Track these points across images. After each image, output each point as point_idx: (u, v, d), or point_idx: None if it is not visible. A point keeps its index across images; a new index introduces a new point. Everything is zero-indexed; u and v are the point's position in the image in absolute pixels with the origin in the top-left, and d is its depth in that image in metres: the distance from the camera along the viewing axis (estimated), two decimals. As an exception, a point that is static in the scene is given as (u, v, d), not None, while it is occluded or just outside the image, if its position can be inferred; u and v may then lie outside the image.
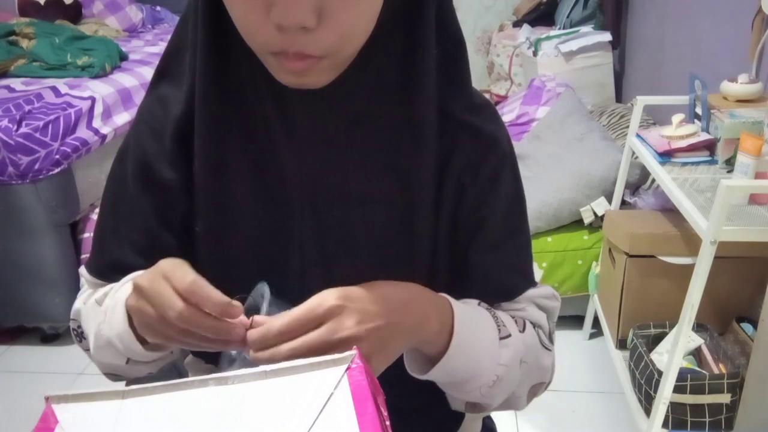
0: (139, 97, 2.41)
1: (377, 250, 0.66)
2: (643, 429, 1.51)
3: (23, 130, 1.95)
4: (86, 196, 2.19)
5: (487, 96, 3.34)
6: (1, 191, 1.99)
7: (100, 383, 0.56)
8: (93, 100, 2.19)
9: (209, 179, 0.65)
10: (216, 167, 0.64)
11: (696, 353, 1.60)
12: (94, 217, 2.20)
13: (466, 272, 0.69)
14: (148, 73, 2.52)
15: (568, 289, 2.09)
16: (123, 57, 2.65)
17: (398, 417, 0.51)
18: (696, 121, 1.69)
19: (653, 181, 2.04)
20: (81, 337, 0.72)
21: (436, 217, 0.67)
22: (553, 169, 2.15)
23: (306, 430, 0.42)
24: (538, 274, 2.05)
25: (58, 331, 2.24)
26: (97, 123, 2.19)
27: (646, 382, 1.52)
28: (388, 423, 0.45)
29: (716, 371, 1.52)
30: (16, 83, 2.30)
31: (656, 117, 2.50)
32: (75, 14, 3.29)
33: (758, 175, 1.34)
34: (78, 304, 0.73)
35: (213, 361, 0.77)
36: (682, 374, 1.43)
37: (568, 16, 3.33)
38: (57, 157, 2.01)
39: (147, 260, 0.67)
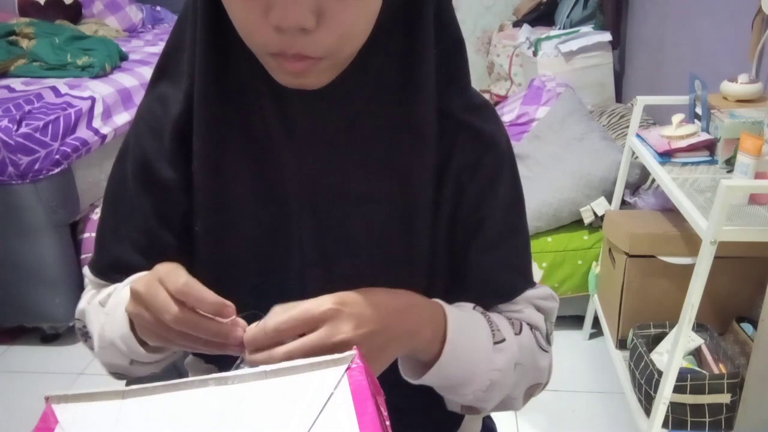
0: (139, 97, 2.41)
1: (377, 250, 0.66)
2: (643, 429, 1.51)
3: (23, 130, 1.95)
4: (86, 196, 2.19)
5: (487, 96, 3.31)
6: (1, 191, 1.99)
7: (100, 383, 0.56)
8: (93, 100, 2.20)
9: (209, 179, 0.65)
10: (215, 167, 0.64)
11: (696, 353, 1.60)
12: (94, 217, 2.21)
13: (465, 272, 0.69)
14: (148, 73, 2.52)
15: (568, 289, 2.09)
16: (123, 57, 2.66)
17: (398, 417, 0.51)
18: (696, 121, 1.69)
19: (653, 181, 2.04)
20: (86, 336, 0.73)
21: (435, 216, 0.67)
22: (553, 169, 2.15)
23: (306, 430, 0.42)
24: (538, 274, 2.06)
25: (58, 331, 2.24)
26: (97, 123, 2.20)
27: (646, 382, 1.52)
28: (388, 423, 0.45)
29: (716, 371, 1.52)
30: (16, 83, 2.30)
31: (656, 117, 2.50)
32: (75, 14, 3.30)
33: (758, 175, 1.34)
34: (82, 304, 0.73)
35: (213, 361, 0.77)
36: (682, 374, 1.43)
37: (568, 16, 3.33)
38: (57, 157, 2.01)
39: (147, 259, 0.67)
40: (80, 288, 2.17)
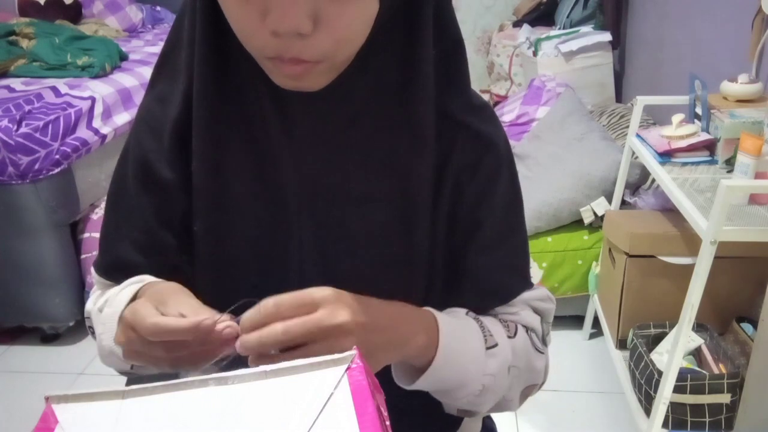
0: (139, 97, 2.41)
1: (376, 250, 0.66)
2: (643, 429, 1.51)
3: (23, 130, 1.95)
4: (86, 196, 2.19)
5: (487, 96, 3.32)
6: (1, 191, 1.99)
7: (100, 383, 0.57)
8: (93, 100, 2.20)
9: (208, 179, 0.65)
10: (215, 167, 0.64)
11: (696, 353, 1.60)
12: (94, 217, 2.21)
13: (463, 273, 0.69)
14: (148, 73, 2.52)
15: (568, 289, 2.09)
16: (123, 57, 2.66)
17: (398, 417, 0.51)
18: (696, 121, 1.69)
19: (653, 181, 2.04)
20: (95, 335, 0.73)
21: (434, 217, 0.67)
22: (553, 169, 2.15)
23: (306, 430, 0.42)
24: (538, 274, 2.06)
25: (58, 331, 2.24)
26: (97, 123, 2.20)
27: (646, 382, 1.52)
28: (388, 423, 0.45)
29: (716, 371, 1.52)
30: (16, 83, 2.30)
31: (656, 117, 2.50)
32: (75, 14, 3.30)
33: (758, 175, 1.34)
34: (89, 304, 0.74)
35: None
36: (682, 374, 1.43)
37: (568, 16, 3.33)
38: (57, 157, 2.01)
39: (148, 259, 0.68)
40: (80, 288, 2.17)
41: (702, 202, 1.37)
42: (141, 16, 3.57)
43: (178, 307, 0.55)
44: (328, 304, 0.53)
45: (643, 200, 1.94)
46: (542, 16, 3.58)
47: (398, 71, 0.61)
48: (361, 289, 0.60)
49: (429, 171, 0.65)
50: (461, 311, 0.69)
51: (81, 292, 2.17)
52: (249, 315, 0.53)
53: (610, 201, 1.99)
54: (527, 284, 0.73)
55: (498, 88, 3.62)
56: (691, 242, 1.64)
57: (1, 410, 1.92)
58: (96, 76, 2.38)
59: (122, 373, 0.71)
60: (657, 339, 1.66)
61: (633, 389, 1.61)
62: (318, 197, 0.65)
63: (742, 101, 1.63)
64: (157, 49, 2.95)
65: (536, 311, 0.74)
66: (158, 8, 3.75)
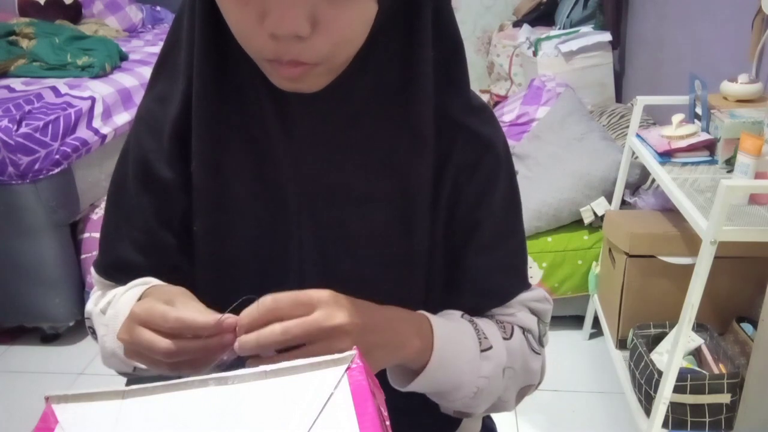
0: (139, 97, 2.41)
1: (376, 250, 0.66)
2: (643, 429, 1.51)
3: (23, 130, 1.95)
4: (86, 196, 2.19)
5: (487, 96, 3.32)
6: (1, 191, 1.99)
7: (100, 383, 0.57)
8: (93, 100, 2.20)
9: (208, 179, 0.65)
10: (214, 167, 0.64)
11: (696, 353, 1.60)
12: (94, 217, 2.21)
13: (461, 273, 0.69)
14: (148, 73, 2.51)
15: (568, 289, 2.09)
16: (123, 57, 2.66)
17: (398, 417, 0.51)
18: (696, 121, 1.69)
19: (653, 181, 2.04)
20: (95, 335, 0.73)
21: (434, 217, 0.67)
22: (553, 169, 2.15)
23: (306, 430, 0.42)
24: (537, 274, 2.06)
25: (58, 331, 2.24)
26: (97, 123, 2.20)
27: (646, 382, 1.52)
28: (388, 423, 0.45)
29: (716, 371, 1.52)
30: (16, 83, 2.30)
31: (656, 117, 2.50)
32: (75, 14, 3.30)
33: (758, 175, 1.34)
34: (90, 305, 0.74)
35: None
36: (682, 374, 1.43)
37: (568, 16, 3.33)
38: (57, 157, 2.01)
39: (148, 259, 0.68)
40: (80, 288, 2.17)
41: (702, 202, 1.37)
42: (141, 16, 3.57)
43: (187, 308, 0.55)
44: (325, 306, 0.53)
45: (643, 200, 1.94)
46: (542, 16, 3.58)
47: (398, 71, 0.61)
48: (361, 289, 0.60)
49: (429, 171, 0.65)
50: (456, 313, 0.69)
51: (81, 292, 2.17)
52: (247, 312, 0.53)
53: (610, 201, 1.99)
54: (525, 285, 0.73)
55: (498, 88, 3.62)
56: (691, 242, 1.64)
57: (1, 410, 1.92)
58: (96, 76, 2.38)
59: (123, 374, 0.71)
60: (657, 339, 1.66)
61: (633, 389, 1.61)
62: (318, 197, 0.65)
63: (742, 101, 1.63)
64: (157, 49, 2.95)
65: (533, 312, 0.74)
66: (158, 8, 3.75)
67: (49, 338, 2.24)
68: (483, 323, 0.69)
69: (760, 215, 1.30)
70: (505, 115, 2.87)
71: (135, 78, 2.48)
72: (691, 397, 1.45)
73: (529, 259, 2.06)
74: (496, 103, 3.33)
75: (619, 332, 1.79)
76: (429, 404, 0.70)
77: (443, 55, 0.63)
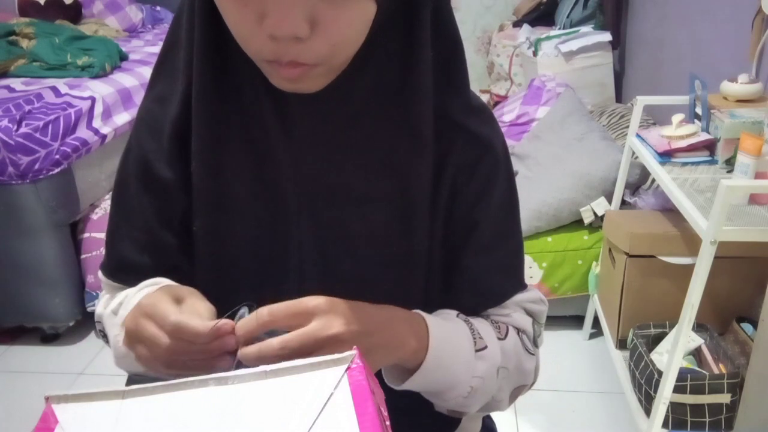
0: (139, 97, 2.41)
1: (376, 250, 0.66)
2: (643, 429, 1.51)
3: (23, 130, 1.95)
4: (86, 196, 2.19)
5: (486, 96, 3.31)
6: (1, 191, 1.99)
7: (100, 383, 0.57)
8: (93, 100, 2.20)
9: (208, 179, 0.65)
10: (214, 167, 0.64)
11: (696, 353, 1.60)
12: (94, 217, 2.21)
13: (458, 273, 0.70)
14: (148, 73, 2.52)
15: (568, 289, 2.09)
16: (123, 57, 2.66)
17: (398, 417, 0.51)
18: (696, 121, 1.69)
19: (653, 181, 2.04)
20: (106, 339, 0.73)
21: (433, 216, 0.67)
22: (553, 169, 2.15)
23: (306, 430, 0.42)
24: (538, 274, 2.06)
25: (58, 331, 2.24)
26: (97, 123, 2.20)
27: (646, 382, 1.52)
28: (388, 423, 0.45)
29: (716, 371, 1.52)
30: (16, 83, 2.30)
31: (656, 117, 2.50)
32: (75, 14, 3.30)
33: (758, 175, 1.34)
34: (99, 308, 0.74)
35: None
36: (682, 374, 1.43)
37: (568, 16, 3.33)
38: (57, 157, 2.01)
39: (152, 259, 0.68)
40: (80, 288, 2.17)
41: (702, 202, 1.37)
42: (141, 16, 3.57)
43: (194, 309, 0.55)
44: (322, 314, 0.54)
45: (643, 200, 1.94)
46: (542, 16, 3.58)
47: (397, 72, 0.61)
48: (361, 289, 0.60)
49: (429, 171, 0.65)
50: (452, 313, 0.69)
51: (81, 292, 2.17)
52: (243, 323, 0.53)
53: (610, 201, 1.99)
54: (521, 286, 0.73)
55: (498, 88, 3.62)
56: (691, 242, 1.64)
57: (1, 410, 1.92)
58: (96, 76, 2.38)
59: (136, 375, 0.71)
60: (657, 339, 1.66)
61: (633, 389, 1.61)
62: (317, 197, 0.65)
63: (742, 101, 1.63)
64: (157, 49, 2.94)
65: (528, 313, 0.74)
66: (158, 8, 3.75)
67: (49, 338, 2.24)
68: (478, 323, 0.69)
69: (760, 215, 1.30)
70: (505, 115, 2.87)
71: (135, 78, 2.48)
72: (691, 397, 1.45)
73: (529, 259, 2.06)
74: (496, 103, 3.33)
75: (619, 332, 1.79)
76: (429, 404, 0.70)
77: (443, 56, 0.63)
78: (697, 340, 1.59)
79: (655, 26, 2.72)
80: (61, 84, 2.26)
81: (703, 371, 1.53)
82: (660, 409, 1.40)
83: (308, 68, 0.54)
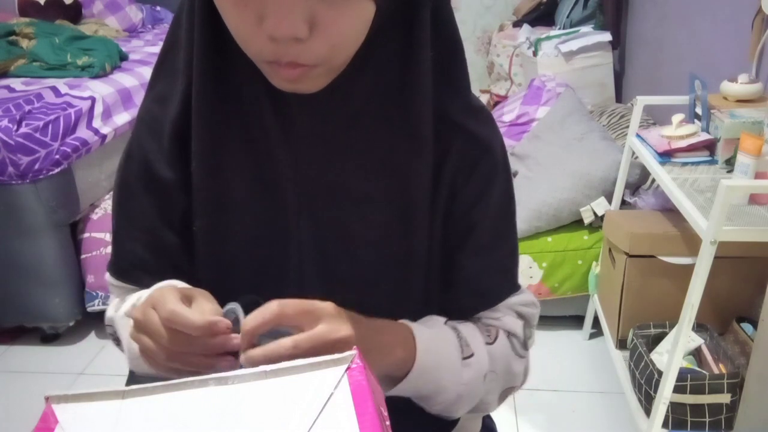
0: (139, 97, 2.41)
1: (376, 250, 0.66)
2: (643, 429, 1.51)
3: (23, 130, 1.95)
4: (86, 196, 2.19)
5: (487, 96, 3.31)
6: (1, 191, 1.99)
7: (100, 383, 0.57)
8: (93, 100, 2.19)
9: (207, 179, 0.65)
10: (214, 167, 0.64)
11: (696, 353, 1.60)
12: (94, 217, 2.21)
13: (454, 274, 0.70)
14: (148, 73, 2.52)
15: (568, 289, 2.09)
16: (123, 57, 2.65)
17: (398, 417, 0.51)
18: (696, 121, 1.69)
19: (653, 181, 2.04)
20: (118, 341, 0.73)
21: (432, 216, 0.67)
22: (553, 169, 2.15)
23: (306, 430, 0.42)
24: (538, 274, 2.06)
25: (58, 331, 2.24)
26: (97, 123, 2.19)
27: (646, 382, 1.52)
28: (388, 423, 0.45)
29: (716, 371, 1.52)
30: (16, 83, 2.30)
31: (656, 117, 2.50)
32: (75, 14, 3.29)
33: (758, 175, 1.34)
34: (110, 311, 0.74)
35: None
36: (682, 374, 1.43)
37: (568, 16, 3.33)
38: (57, 157, 2.01)
39: (156, 259, 0.68)
40: (80, 288, 2.17)
41: (702, 202, 1.37)
42: (141, 16, 3.57)
43: (201, 308, 0.55)
44: (330, 318, 0.54)
45: (643, 200, 1.94)
46: (542, 16, 3.58)
47: (397, 71, 0.61)
48: (361, 289, 0.60)
49: (428, 171, 0.65)
50: (440, 320, 0.70)
51: (81, 292, 2.17)
52: (253, 317, 0.53)
53: (610, 201, 1.99)
54: (515, 288, 0.74)
55: (498, 88, 3.62)
56: (691, 242, 1.64)
57: (1, 410, 1.92)
58: (96, 76, 2.38)
59: (149, 376, 0.71)
60: (657, 339, 1.66)
61: (633, 389, 1.61)
62: (317, 197, 0.65)
63: (742, 101, 1.63)
64: (157, 49, 2.94)
65: (520, 316, 0.75)
66: (158, 8, 3.75)
67: (49, 338, 2.24)
68: (466, 329, 0.70)
69: (760, 215, 1.30)
70: (505, 115, 2.87)
71: (135, 78, 2.48)
72: (691, 397, 1.45)
73: (529, 259, 2.06)
74: (496, 103, 3.33)
75: (619, 332, 1.79)
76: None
77: (442, 56, 0.63)
78: (697, 340, 1.59)
79: (655, 26, 2.72)
80: (61, 84, 2.26)
81: (703, 371, 1.53)
82: (660, 409, 1.40)
83: (308, 69, 0.55)
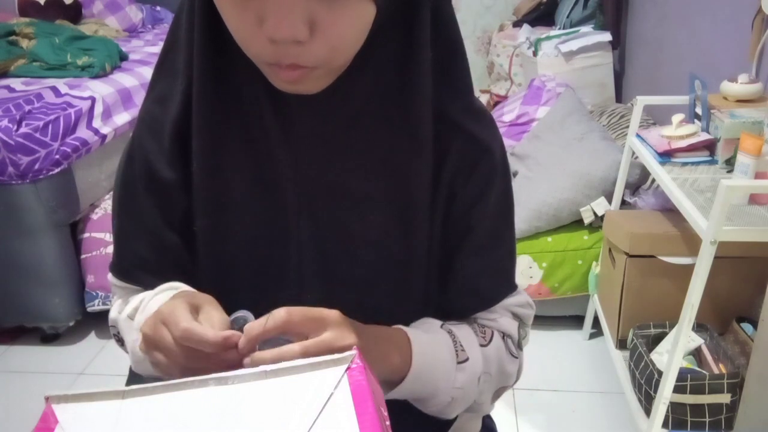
0: (139, 97, 2.41)
1: (375, 250, 0.66)
2: (643, 429, 1.51)
3: (23, 130, 1.95)
4: (86, 196, 2.19)
5: (487, 96, 3.31)
6: (1, 191, 1.99)
7: (100, 383, 0.57)
8: (93, 100, 2.19)
9: (208, 179, 0.65)
10: (214, 167, 0.64)
11: (696, 353, 1.60)
12: (94, 217, 2.21)
13: (452, 274, 0.70)
14: (148, 73, 2.52)
15: (568, 289, 2.09)
16: (123, 57, 2.65)
17: (398, 417, 0.51)
18: (696, 121, 1.69)
19: (653, 181, 2.04)
20: (122, 342, 0.73)
21: (432, 217, 0.67)
22: (553, 169, 2.15)
23: (306, 430, 0.42)
24: (538, 274, 2.06)
25: (58, 331, 2.24)
26: (97, 123, 2.19)
27: (646, 382, 1.52)
28: (388, 423, 0.45)
29: (716, 371, 1.52)
30: (16, 83, 2.30)
31: (656, 117, 2.50)
32: (75, 14, 3.29)
33: (758, 175, 1.34)
34: (113, 313, 0.74)
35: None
36: (682, 374, 1.43)
37: (568, 16, 3.33)
38: (57, 157, 2.01)
39: (159, 259, 0.68)
40: (80, 288, 2.17)
41: (702, 202, 1.37)
42: (141, 16, 3.57)
43: (210, 318, 0.55)
44: (336, 326, 0.55)
45: (643, 200, 1.94)
46: (542, 16, 3.58)
47: (397, 72, 0.61)
48: (361, 289, 0.60)
49: (428, 171, 0.65)
50: (436, 324, 0.70)
51: (81, 292, 2.17)
52: (258, 323, 0.53)
53: (610, 201, 1.99)
54: (512, 289, 0.74)
55: (498, 88, 3.62)
56: (691, 242, 1.64)
57: (1, 410, 1.92)
58: (96, 76, 2.38)
59: (153, 378, 0.71)
60: (657, 339, 1.66)
61: (633, 389, 1.61)
62: (317, 197, 0.65)
63: (742, 101, 1.63)
64: (157, 49, 2.95)
65: (516, 317, 0.75)
66: (158, 8, 3.75)
67: (49, 338, 2.24)
68: (461, 332, 0.70)
69: (760, 215, 1.30)
70: (505, 115, 2.87)
71: (135, 78, 2.48)
72: (691, 397, 1.45)
73: (529, 259, 2.06)
74: (496, 103, 3.33)
75: (619, 332, 1.79)
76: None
77: (443, 56, 0.63)
78: (697, 340, 1.59)
79: (655, 26, 2.72)
80: (61, 84, 2.26)
81: (703, 371, 1.53)
82: (660, 409, 1.40)
83: (308, 70, 0.55)
